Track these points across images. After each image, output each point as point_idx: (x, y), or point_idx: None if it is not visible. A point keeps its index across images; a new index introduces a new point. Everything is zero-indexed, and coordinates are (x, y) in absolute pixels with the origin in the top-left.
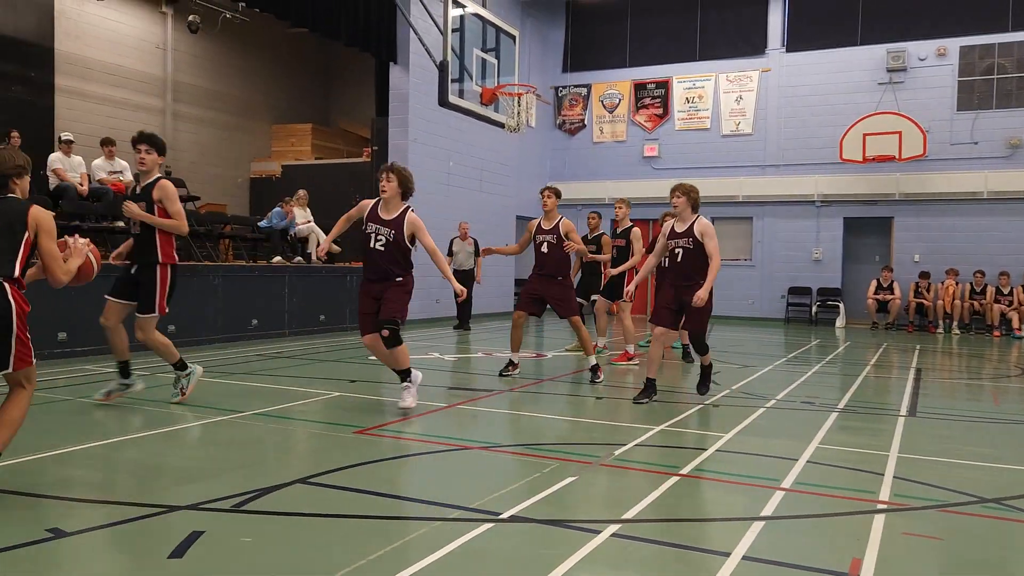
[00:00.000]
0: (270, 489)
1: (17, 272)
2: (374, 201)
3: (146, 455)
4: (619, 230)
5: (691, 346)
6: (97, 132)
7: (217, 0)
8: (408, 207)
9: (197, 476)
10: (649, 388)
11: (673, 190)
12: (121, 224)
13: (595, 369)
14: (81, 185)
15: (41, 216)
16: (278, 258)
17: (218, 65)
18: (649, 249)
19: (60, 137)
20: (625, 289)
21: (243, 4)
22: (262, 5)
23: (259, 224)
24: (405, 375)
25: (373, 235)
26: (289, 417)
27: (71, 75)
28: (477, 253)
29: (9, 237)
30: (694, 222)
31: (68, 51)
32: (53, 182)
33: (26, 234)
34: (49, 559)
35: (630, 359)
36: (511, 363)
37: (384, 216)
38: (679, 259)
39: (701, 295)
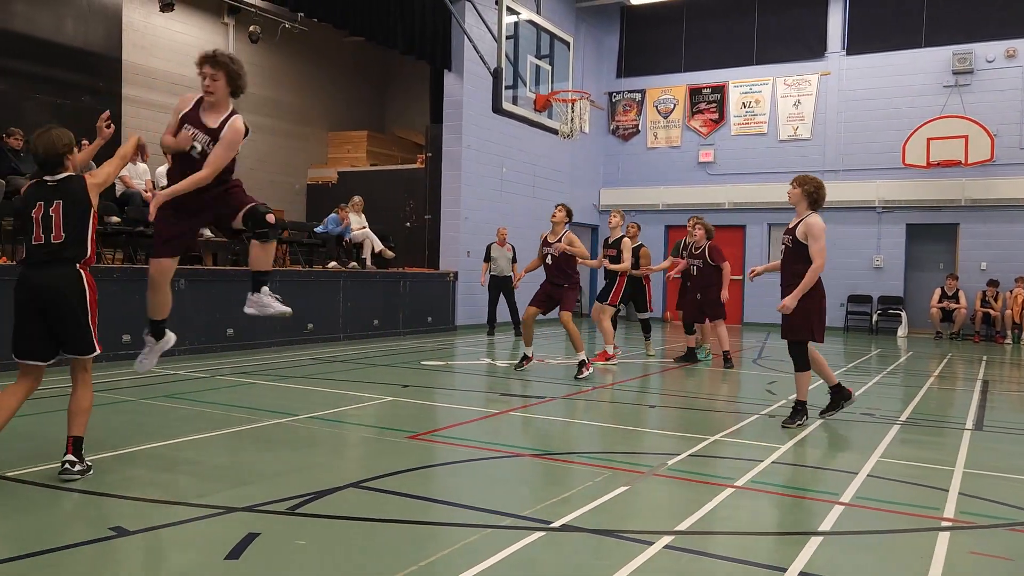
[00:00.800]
0: (324, 492)
1: (89, 252)
2: (196, 98)
3: (205, 456)
4: (611, 240)
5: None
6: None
7: (277, 11)
8: (234, 111)
9: (253, 478)
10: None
11: (792, 181)
12: None
13: (582, 364)
14: (146, 192)
15: (90, 181)
16: (333, 263)
17: (277, 74)
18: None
19: None
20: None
21: (302, 14)
22: (321, 15)
23: (315, 230)
24: (266, 279)
25: (195, 140)
26: (343, 421)
27: (137, 84)
28: (515, 259)
29: (80, 216)
30: (802, 219)
31: (135, 62)
32: (120, 189)
33: (91, 209)
34: (111, 557)
35: (608, 359)
36: (525, 357)
37: (207, 122)
38: (782, 257)
39: (787, 303)
